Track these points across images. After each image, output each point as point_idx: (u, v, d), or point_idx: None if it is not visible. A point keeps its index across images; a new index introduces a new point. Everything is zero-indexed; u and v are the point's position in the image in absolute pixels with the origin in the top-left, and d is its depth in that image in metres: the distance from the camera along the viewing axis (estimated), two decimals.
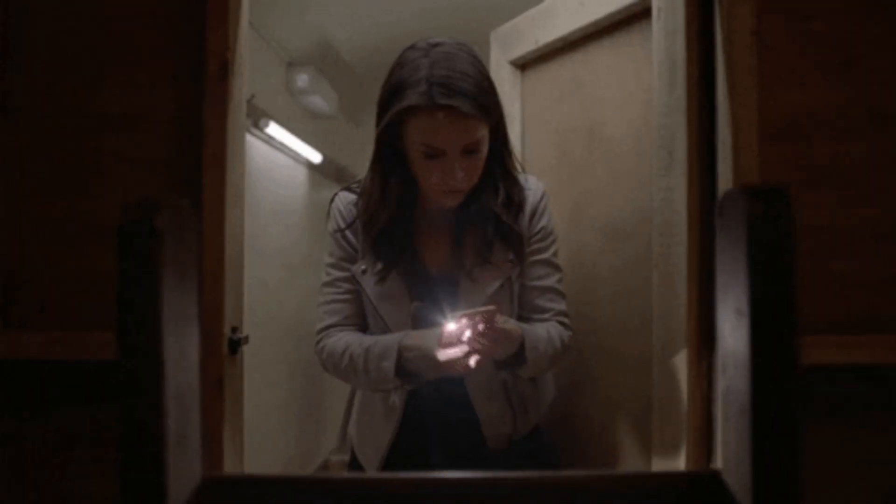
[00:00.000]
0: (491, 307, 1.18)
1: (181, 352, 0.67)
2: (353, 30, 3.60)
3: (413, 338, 1.26)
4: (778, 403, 0.61)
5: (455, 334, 1.16)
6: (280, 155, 3.55)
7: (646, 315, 1.37)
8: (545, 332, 1.33)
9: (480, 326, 1.16)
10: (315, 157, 3.94)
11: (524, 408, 1.39)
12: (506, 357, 1.28)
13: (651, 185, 1.35)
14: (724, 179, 1.18)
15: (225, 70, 1.17)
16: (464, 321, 1.15)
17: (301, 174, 3.99)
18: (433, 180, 1.26)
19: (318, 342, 1.37)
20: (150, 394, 0.62)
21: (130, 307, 0.63)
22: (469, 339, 1.16)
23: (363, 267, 1.34)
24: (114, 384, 0.62)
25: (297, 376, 3.91)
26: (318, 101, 3.73)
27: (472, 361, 1.16)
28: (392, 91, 1.23)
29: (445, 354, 1.16)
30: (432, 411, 1.36)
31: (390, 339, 1.27)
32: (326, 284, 1.38)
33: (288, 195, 3.76)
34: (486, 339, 1.18)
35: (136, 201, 0.64)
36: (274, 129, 3.18)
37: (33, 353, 1.16)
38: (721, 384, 0.69)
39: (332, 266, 1.38)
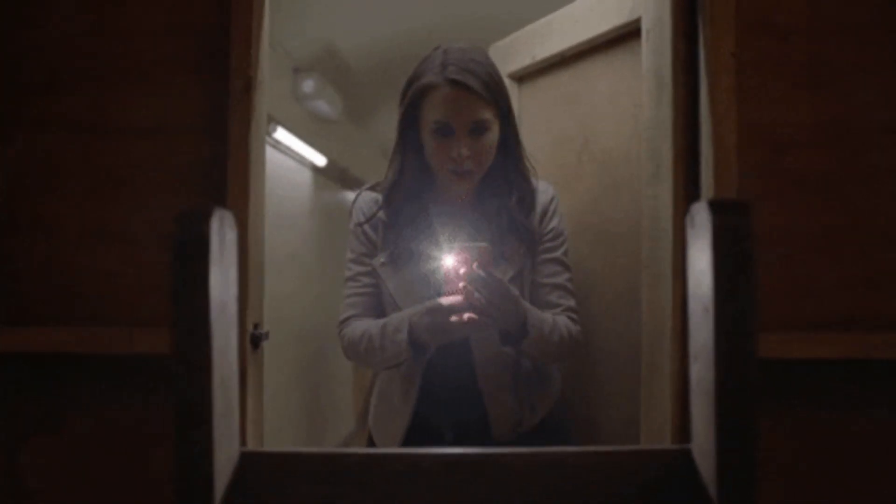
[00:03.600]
0: (484, 244, 1.29)
1: (224, 342, 0.77)
2: (357, 37, 3.70)
3: (421, 305, 1.34)
4: (737, 390, 0.71)
5: (454, 270, 1.26)
6: (286, 158, 3.66)
7: (636, 313, 1.48)
8: (552, 318, 1.41)
9: (475, 265, 1.25)
10: (319, 160, 4.05)
11: (531, 400, 1.47)
12: (508, 326, 1.34)
13: (640, 192, 1.46)
14: (707, 189, 1.28)
15: (248, 86, 1.28)
16: (460, 255, 1.25)
17: (306, 177, 4.09)
18: (442, 161, 1.38)
19: (339, 332, 1.47)
20: (201, 378, 0.72)
21: (183, 304, 0.73)
22: (466, 280, 1.25)
23: (382, 259, 1.44)
24: (168, 371, 0.72)
25: (302, 376, 4.01)
26: (323, 106, 3.83)
27: (466, 316, 1.25)
28: (411, 80, 1.41)
29: (448, 300, 1.27)
30: (444, 402, 1.45)
31: (402, 313, 1.37)
32: (348, 279, 1.49)
33: (293, 197, 3.87)
34: (481, 285, 1.25)
35: (187, 211, 0.75)
36: (281, 134, 3.28)
37: (68, 347, 1.27)
38: (692, 373, 0.79)
39: (353, 261, 1.48)
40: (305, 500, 0.79)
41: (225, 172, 1.28)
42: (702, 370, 0.76)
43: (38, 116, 1.31)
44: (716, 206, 0.72)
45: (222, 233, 0.79)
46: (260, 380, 1.35)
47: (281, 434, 3.56)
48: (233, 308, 0.81)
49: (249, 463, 0.81)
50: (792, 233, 1.28)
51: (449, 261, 1.27)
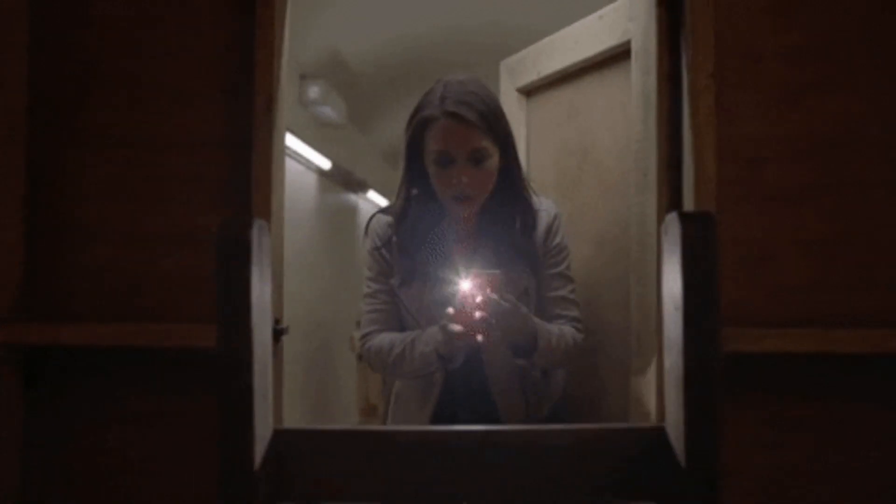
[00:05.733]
0: (496, 271, 1.40)
1: (262, 335, 0.89)
2: (361, 43, 3.81)
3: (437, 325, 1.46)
4: (702, 376, 0.83)
5: (470, 295, 1.37)
6: (292, 162, 3.77)
7: (627, 312, 1.60)
8: (558, 329, 1.53)
9: (489, 290, 1.37)
10: (324, 163, 4.17)
11: (537, 398, 1.59)
12: (520, 342, 1.47)
13: (631, 200, 1.58)
14: (688, 198, 1.40)
15: (270, 105, 1.39)
16: (475, 280, 1.37)
17: (311, 180, 4.21)
18: (444, 187, 1.49)
19: (363, 344, 1.59)
20: (243, 365, 0.84)
21: (229, 301, 0.85)
22: (480, 303, 1.36)
23: (398, 282, 1.56)
24: (214, 357, 0.83)
25: (308, 371, 4.14)
26: (328, 111, 3.95)
27: (480, 337, 1.38)
28: (414, 112, 1.52)
29: (456, 326, 1.37)
30: (460, 401, 1.56)
31: (431, 329, 1.49)
32: (367, 296, 1.60)
33: (300, 199, 3.99)
34: (495, 309, 1.37)
35: (231, 220, 0.87)
36: (288, 139, 3.40)
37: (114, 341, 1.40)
38: (665, 362, 0.92)
39: (371, 280, 1.60)
40: (331, 470, 0.91)
41: (247, 182, 1.40)
42: (673, 360, 0.88)
43: (81, 132, 1.44)
44: (685, 218, 0.85)
45: (260, 239, 0.91)
46: (280, 372, 1.47)
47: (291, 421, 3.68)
48: (268, 305, 0.93)
49: (281, 438, 0.93)
50: (767, 239, 1.40)
51: (465, 285, 1.38)
